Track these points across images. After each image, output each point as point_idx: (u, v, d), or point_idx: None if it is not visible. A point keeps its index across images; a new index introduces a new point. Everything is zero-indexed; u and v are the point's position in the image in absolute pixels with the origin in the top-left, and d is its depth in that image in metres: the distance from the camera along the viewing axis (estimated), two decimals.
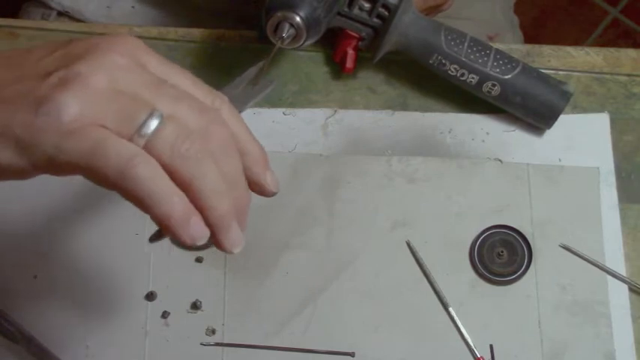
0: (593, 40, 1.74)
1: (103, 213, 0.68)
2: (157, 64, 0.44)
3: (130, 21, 0.85)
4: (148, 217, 0.41)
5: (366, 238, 0.68)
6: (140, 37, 0.75)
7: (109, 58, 0.41)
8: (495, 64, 0.68)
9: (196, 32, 0.76)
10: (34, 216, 0.68)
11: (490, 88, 0.68)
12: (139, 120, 0.40)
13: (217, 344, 0.65)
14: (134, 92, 0.41)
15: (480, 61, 0.68)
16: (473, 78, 0.68)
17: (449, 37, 0.68)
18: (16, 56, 0.43)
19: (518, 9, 1.00)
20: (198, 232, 0.42)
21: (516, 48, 0.75)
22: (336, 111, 0.73)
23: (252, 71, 0.67)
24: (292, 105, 0.73)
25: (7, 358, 0.64)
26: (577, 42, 1.71)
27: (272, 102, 0.72)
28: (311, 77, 0.74)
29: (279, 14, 0.61)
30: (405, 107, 0.73)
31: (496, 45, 0.70)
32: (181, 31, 0.76)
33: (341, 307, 0.67)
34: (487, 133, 0.71)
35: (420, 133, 0.72)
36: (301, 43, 0.62)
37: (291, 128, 0.72)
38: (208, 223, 0.42)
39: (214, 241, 0.43)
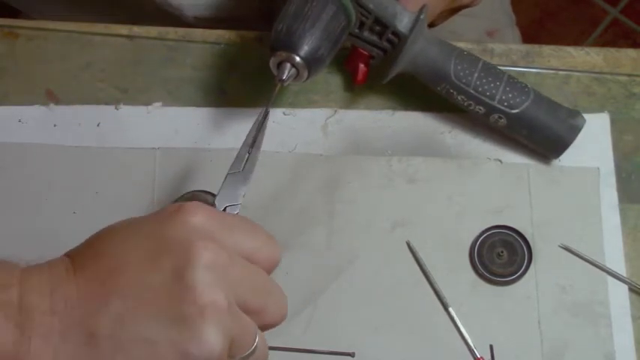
0: (593, 40, 1.74)
1: (106, 212, 0.68)
2: (227, 233, 0.45)
3: None
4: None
5: (366, 238, 0.68)
6: (140, 37, 0.76)
7: (211, 260, 0.42)
8: (504, 97, 0.66)
9: (196, 32, 0.76)
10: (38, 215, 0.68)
11: (497, 120, 0.68)
12: (249, 348, 0.45)
13: None
14: (241, 306, 0.44)
15: (489, 93, 0.66)
16: (480, 109, 0.67)
17: (459, 67, 0.66)
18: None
19: (518, 9, 1.00)
20: None
21: (516, 48, 0.75)
22: (336, 111, 0.73)
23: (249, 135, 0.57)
24: (292, 105, 0.73)
25: None
26: (577, 42, 1.72)
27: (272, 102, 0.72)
28: None
29: (281, 54, 0.60)
30: (405, 107, 0.73)
31: (507, 71, 0.68)
32: (181, 31, 0.76)
33: (341, 307, 0.67)
34: (487, 134, 0.71)
35: (421, 133, 0.72)
36: (304, 80, 0.62)
37: (292, 128, 0.72)
38: None
39: None
